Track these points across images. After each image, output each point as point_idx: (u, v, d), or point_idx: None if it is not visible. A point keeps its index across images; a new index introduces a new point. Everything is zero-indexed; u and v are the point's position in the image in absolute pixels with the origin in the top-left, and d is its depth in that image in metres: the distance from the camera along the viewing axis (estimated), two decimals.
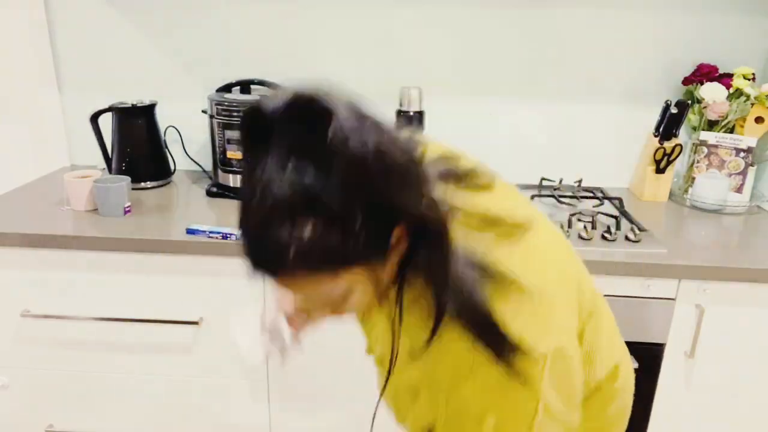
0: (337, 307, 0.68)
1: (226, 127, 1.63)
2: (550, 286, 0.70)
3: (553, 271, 0.72)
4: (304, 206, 0.56)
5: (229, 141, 1.64)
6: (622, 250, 1.38)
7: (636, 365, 1.39)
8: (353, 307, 0.68)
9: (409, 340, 0.74)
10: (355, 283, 0.63)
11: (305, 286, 0.62)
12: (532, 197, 1.68)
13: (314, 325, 0.69)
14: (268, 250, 0.58)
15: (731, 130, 1.76)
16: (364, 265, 0.62)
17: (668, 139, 1.73)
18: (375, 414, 0.87)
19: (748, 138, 1.69)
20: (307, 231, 0.56)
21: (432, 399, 0.75)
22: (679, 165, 1.84)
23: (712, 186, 1.69)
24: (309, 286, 0.62)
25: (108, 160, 1.76)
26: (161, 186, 1.79)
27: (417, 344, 0.70)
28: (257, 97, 1.64)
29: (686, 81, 1.78)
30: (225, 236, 1.37)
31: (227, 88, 1.71)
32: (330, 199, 0.56)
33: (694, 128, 1.80)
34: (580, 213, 1.56)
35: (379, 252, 0.62)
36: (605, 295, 0.88)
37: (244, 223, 0.60)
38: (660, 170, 1.75)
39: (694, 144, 1.78)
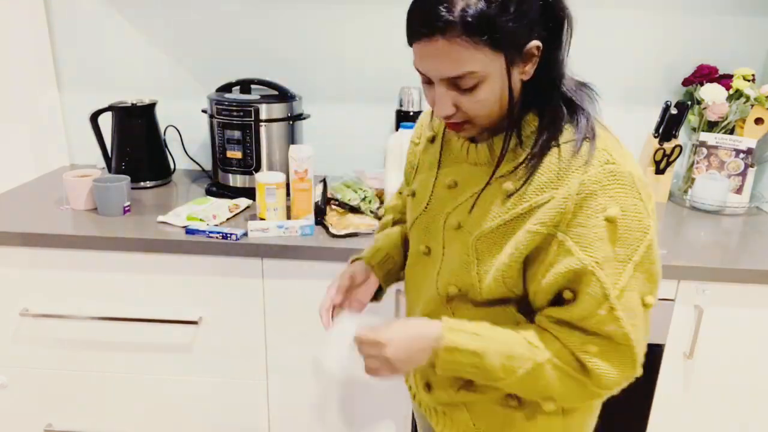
0: (466, 93, 0.77)
1: (225, 126, 1.63)
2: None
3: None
4: None
5: (228, 140, 1.64)
6: None
7: None
8: (479, 100, 0.77)
9: (454, 175, 0.88)
10: (490, 71, 0.74)
11: (450, 52, 0.73)
12: None
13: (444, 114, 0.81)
14: (440, 2, 0.71)
15: (731, 131, 1.76)
16: (504, 54, 0.74)
17: (668, 139, 1.73)
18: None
19: (747, 139, 1.69)
20: None
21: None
22: (679, 166, 1.83)
23: (711, 187, 1.69)
24: (453, 54, 0.73)
25: (108, 159, 1.76)
26: (161, 185, 1.79)
27: (463, 179, 0.87)
28: (256, 97, 1.65)
29: (686, 82, 1.78)
30: (225, 236, 1.37)
31: (227, 87, 1.71)
32: None
33: (694, 129, 1.80)
34: None
35: (518, 47, 0.74)
36: None
37: None
38: (660, 171, 1.75)
39: (693, 145, 1.78)
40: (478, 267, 0.83)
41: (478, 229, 0.83)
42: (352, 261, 1.09)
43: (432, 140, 0.98)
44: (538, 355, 0.80)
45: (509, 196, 0.81)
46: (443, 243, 0.89)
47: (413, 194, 0.97)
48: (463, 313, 0.88)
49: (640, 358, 0.80)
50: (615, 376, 0.79)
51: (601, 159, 0.76)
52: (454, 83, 0.76)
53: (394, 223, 1.16)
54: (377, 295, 1.09)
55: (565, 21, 0.78)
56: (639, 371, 0.80)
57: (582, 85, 0.84)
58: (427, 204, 0.92)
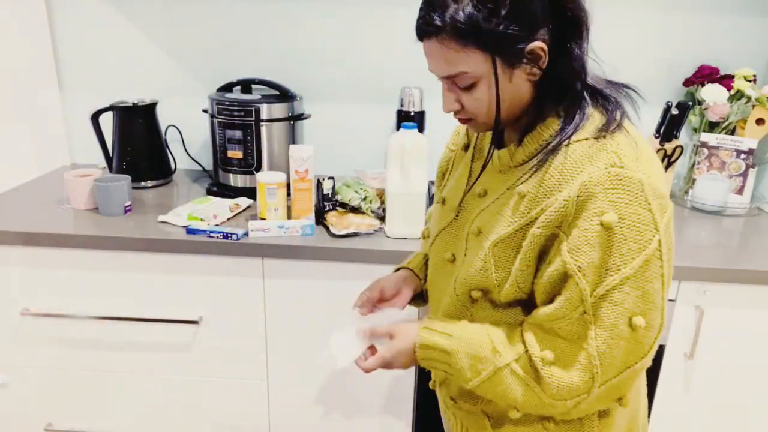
0: (465, 91, 0.80)
1: (226, 126, 1.63)
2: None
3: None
4: None
5: (229, 140, 1.64)
6: None
7: None
8: (477, 98, 0.79)
9: (484, 184, 0.89)
10: (483, 72, 0.77)
11: (443, 53, 0.77)
12: None
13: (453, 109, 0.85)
14: (433, 8, 0.75)
15: (732, 132, 1.76)
16: (492, 56, 0.75)
17: (669, 140, 1.72)
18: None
19: (748, 140, 1.69)
20: (466, 3, 0.73)
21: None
22: (680, 166, 1.83)
23: (712, 188, 1.69)
24: (445, 54, 0.76)
25: (109, 159, 1.77)
26: (162, 185, 1.79)
27: (491, 187, 0.87)
28: (257, 97, 1.65)
29: (687, 82, 1.78)
30: (225, 236, 1.37)
31: (228, 87, 1.71)
32: None
33: (695, 130, 1.80)
34: None
35: (513, 49, 0.75)
36: None
37: None
38: None
39: (694, 145, 1.78)
40: (495, 272, 0.83)
41: (495, 234, 0.83)
42: (396, 270, 1.10)
43: (465, 148, 0.99)
44: (498, 359, 0.80)
45: (522, 198, 0.80)
46: (465, 250, 0.89)
47: (443, 201, 0.97)
48: (484, 315, 0.88)
49: (602, 374, 0.76)
50: (568, 386, 0.77)
51: (608, 161, 0.74)
52: (454, 81, 0.80)
53: None
54: (419, 300, 1.09)
55: (579, 16, 0.81)
56: (596, 389, 0.76)
57: (621, 86, 0.87)
58: (458, 213, 0.92)
